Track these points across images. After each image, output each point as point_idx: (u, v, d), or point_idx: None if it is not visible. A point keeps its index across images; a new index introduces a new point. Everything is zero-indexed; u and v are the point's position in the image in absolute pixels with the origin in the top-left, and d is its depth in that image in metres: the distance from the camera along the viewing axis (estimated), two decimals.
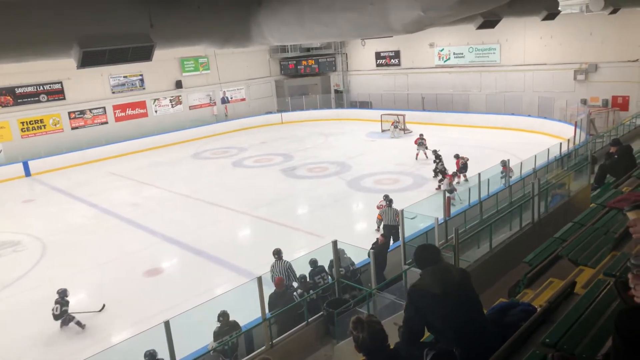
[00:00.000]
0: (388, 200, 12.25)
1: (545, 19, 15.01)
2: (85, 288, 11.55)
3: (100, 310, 10.22)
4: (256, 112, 32.59)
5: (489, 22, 11.91)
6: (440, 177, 15.87)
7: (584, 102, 23.68)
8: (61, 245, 14.10)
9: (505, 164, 14.43)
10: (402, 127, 26.14)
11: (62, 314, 9.52)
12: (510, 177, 14.00)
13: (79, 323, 9.58)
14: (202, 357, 6.93)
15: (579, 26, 23.29)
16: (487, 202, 11.82)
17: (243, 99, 33.01)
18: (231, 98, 32.37)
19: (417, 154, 19.90)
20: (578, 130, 18.82)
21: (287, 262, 8.85)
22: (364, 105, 32.69)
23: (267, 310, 7.19)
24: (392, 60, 31.79)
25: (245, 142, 26.92)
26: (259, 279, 7.02)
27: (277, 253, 9.07)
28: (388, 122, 26.81)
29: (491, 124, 25.48)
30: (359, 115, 31.28)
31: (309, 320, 7.42)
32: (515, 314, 3.49)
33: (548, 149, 14.93)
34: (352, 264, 8.95)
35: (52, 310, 9.47)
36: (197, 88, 30.67)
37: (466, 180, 15.66)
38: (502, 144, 21.59)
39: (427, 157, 19.22)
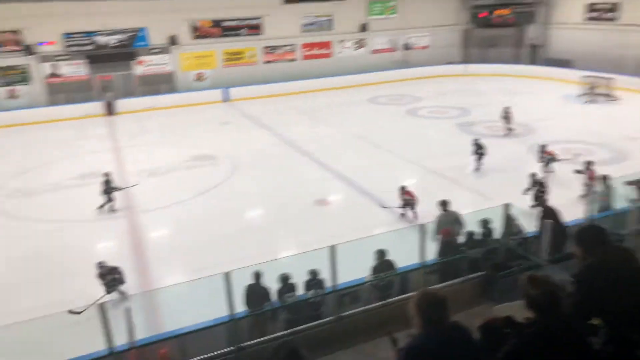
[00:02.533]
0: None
1: None
2: (264, 206, 12.96)
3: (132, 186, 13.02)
4: (438, 62, 31.33)
5: None
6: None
7: None
8: (248, 165, 15.89)
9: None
10: (608, 92, 22.59)
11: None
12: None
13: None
14: (359, 286, 7.34)
15: None
16: None
17: (426, 47, 31.95)
18: (414, 45, 31.59)
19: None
20: None
21: (455, 212, 8.64)
22: (563, 63, 28.91)
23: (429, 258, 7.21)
24: (607, 13, 27.24)
25: (422, 91, 26.32)
26: (422, 227, 7.03)
27: (443, 204, 8.89)
28: (589, 84, 23.45)
29: None
30: (555, 75, 27.88)
31: (469, 276, 7.26)
32: None
33: None
34: (522, 231, 8.37)
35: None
36: (381, 32, 30.54)
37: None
38: None
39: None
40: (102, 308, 4.97)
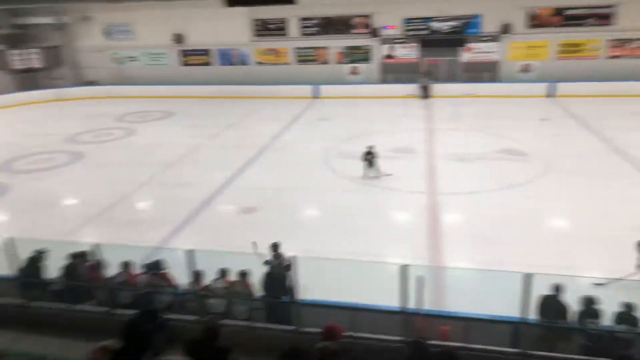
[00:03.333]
0: None
1: None
2: (571, 216, 11.57)
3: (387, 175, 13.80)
4: None
5: None
6: None
7: None
8: (563, 169, 14.34)
9: None
10: None
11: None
12: None
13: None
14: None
15: None
16: None
17: None
18: None
19: None
20: None
21: None
22: None
23: None
24: None
25: None
26: None
27: None
28: None
29: None
30: None
31: None
32: None
33: None
34: None
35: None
36: None
37: None
38: None
39: None
40: (403, 270, 5.40)
